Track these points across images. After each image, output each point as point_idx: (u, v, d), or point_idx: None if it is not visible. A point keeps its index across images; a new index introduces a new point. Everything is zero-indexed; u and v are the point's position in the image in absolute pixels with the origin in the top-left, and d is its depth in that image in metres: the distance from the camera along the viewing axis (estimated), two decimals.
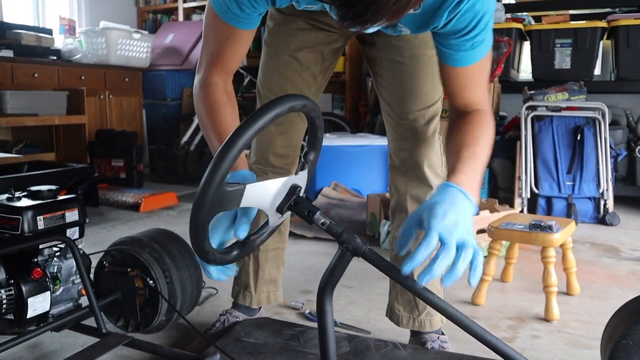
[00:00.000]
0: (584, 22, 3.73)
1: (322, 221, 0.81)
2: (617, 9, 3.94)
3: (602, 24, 3.66)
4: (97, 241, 2.65)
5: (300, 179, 0.82)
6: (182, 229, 2.88)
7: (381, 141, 3.69)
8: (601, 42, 3.77)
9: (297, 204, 0.81)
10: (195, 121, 4.47)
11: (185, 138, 4.51)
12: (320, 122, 0.88)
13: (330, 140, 3.66)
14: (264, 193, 0.77)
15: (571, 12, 4.22)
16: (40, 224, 1.32)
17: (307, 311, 1.83)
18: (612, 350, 1.03)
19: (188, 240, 1.60)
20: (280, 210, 0.80)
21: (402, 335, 1.60)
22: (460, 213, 0.85)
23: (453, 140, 1.09)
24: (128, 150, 3.94)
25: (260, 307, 1.67)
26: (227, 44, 1.10)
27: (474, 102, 1.12)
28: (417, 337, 1.52)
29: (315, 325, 1.64)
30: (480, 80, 1.11)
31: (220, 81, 1.14)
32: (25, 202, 1.34)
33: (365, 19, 0.71)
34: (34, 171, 2.90)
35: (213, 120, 1.08)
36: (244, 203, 0.76)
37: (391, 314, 1.54)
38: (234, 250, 0.81)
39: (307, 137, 0.95)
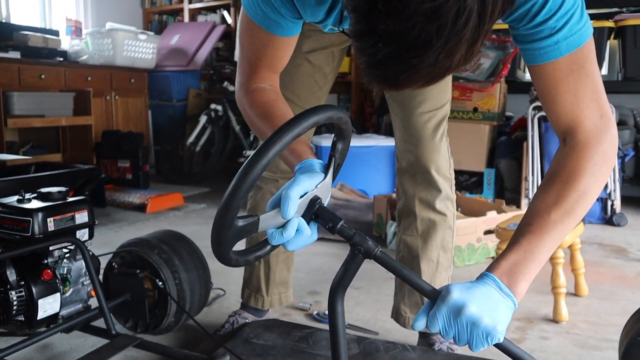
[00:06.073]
0: (591, 21, 3.71)
1: (332, 224, 0.81)
2: (624, 9, 3.92)
3: (609, 23, 3.64)
4: (104, 242, 2.66)
5: (321, 190, 0.81)
6: (189, 229, 2.91)
7: (387, 142, 3.68)
8: (608, 42, 3.76)
9: (317, 217, 0.81)
10: (201, 122, 4.48)
11: (191, 139, 4.52)
12: (348, 135, 0.85)
13: None
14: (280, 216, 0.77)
15: None
16: (51, 226, 1.33)
17: (315, 312, 1.84)
18: (627, 346, 1.07)
19: (196, 241, 1.61)
20: None
21: (410, 336, 1.60)
22: (485, 316, 0.76)
23: (540, 188, 0.87)
24: (134, 151, 3.95)
25: (269, 308, 1.67)
26: (266, 51, 1.01)
27: (573, 123, 0.85)
28: (425, 338, 1.52)
29: (324, 326, 1.65)
30: (577, 84, 0.83)
31: (265, 84, 1.04)
32: (36, 204, 1.34)
33: (396, 84, 0.65)
34: (41, 172, 2.91)
35: (267, 118, 0.97)
36: (262, 228, 0.77)
37: (397, 316, 1.54)
38: (258, 251, 0.82)
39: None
